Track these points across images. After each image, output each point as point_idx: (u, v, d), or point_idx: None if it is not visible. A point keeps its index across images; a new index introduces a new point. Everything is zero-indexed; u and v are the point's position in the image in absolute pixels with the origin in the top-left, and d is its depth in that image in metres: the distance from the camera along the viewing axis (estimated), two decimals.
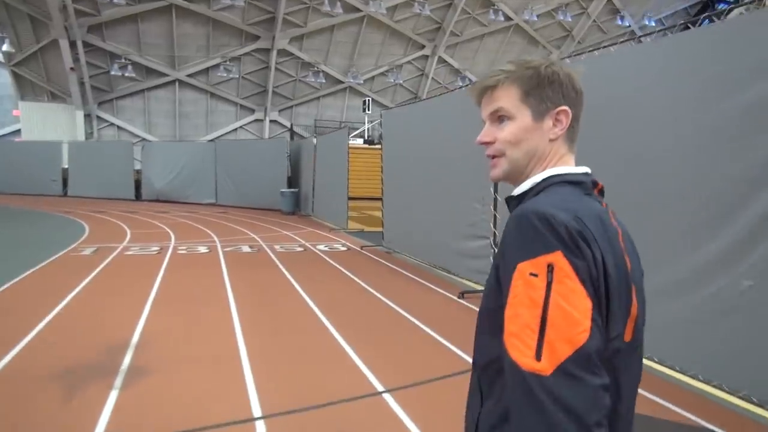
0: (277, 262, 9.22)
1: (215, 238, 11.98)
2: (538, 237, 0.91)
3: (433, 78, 34.99)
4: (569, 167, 1.09)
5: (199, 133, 31.35)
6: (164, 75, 29.83)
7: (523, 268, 0.91)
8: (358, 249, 10.82)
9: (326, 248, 10.84)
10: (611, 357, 0.94)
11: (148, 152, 23.77)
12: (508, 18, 33.41)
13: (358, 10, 30.09)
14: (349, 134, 15.18)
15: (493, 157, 1.13)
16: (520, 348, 0.89)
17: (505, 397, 0.94)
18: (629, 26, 36.81)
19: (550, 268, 0.89)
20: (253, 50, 30.28)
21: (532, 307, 0.89)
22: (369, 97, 34.29)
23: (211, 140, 25.24)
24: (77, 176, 25.12)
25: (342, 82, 33.57)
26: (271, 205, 19.21)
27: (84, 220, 14.95)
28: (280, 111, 33.51)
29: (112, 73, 27.96)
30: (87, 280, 7.49)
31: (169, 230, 13.32)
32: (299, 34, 30.40)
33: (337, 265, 8.98)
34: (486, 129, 1.13)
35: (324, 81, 32.65)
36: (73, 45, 26.34)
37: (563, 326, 0.87)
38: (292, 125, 32.82)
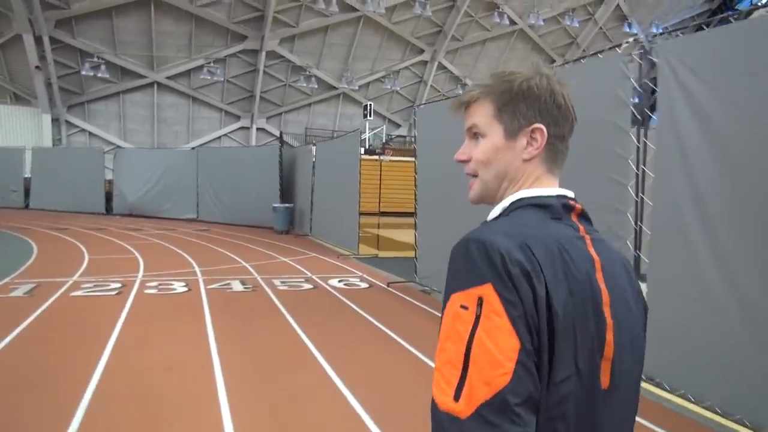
0: (282, 308, 6.74)
1: (196, 268, 9.45)
2: (472, 267, 0.85)
3: (432, 85, 32.85)
4: (541, 189, 0.99)
5: (180, 140, 28.71)
6: (141, 77, 27.20)
7: (456, 299, 0.85)
8: (383, 286, 8.37)
9: (342, 284, 8.37)
10: (560, 402, 0.84)
11: (121, 160, 21.13)
12: (512, 22, 31.41)
13: (355, 9, 27.84)
14: (360, 141, 12.80)
15: (471, 176, 1.04)
16: (441, 385, 0.82)
17: None
18: (636, 33, 35.14)
19: (480, 301, 0.82)
20: (240, 51, 27.80)
21: (457, 342, 0.82)
22: (363, 104, 32.10)
23: (193, 148, 22.69)
24: (41, 187, 22.41)
25: (335, 88, 31.23)
26: (261, 222, 16.68)
27: (36, 241, 12.31)
28: (268, 118, 31.03)
29: (83, 73, 25.27)
30: None
31: (138, 255, 10.75)
32: (290, 34, 28.03)
33: (368, 316, 6.51)
34: (463, 146, 1.04)
35: (316, 86, 30.25)
36: (38, 41, 23.64)
37: (484, 366, 0.79)
38: (281, 133, 30.25)
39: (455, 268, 0.88)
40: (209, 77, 27.35)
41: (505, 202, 0.99)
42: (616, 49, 4.43)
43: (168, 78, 27.67)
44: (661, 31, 35.36)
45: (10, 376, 4.27)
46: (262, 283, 8.21)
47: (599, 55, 4.70)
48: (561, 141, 1.00)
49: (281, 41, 28.10)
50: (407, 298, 7.59)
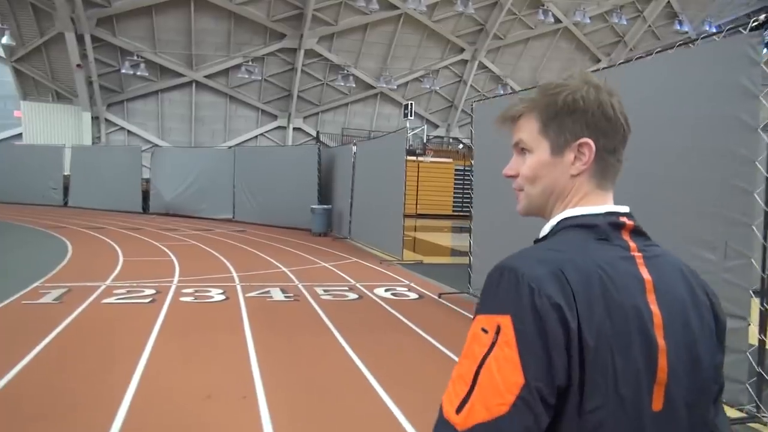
0: (327, 321, 6.15)
1: (233, 273, 8.95)
2: (500, 294, 0.86)
3: (472, 85, 32.00)
4: (588, 207, 0.96)
5: (217, 140, 28.54)
6: (180, 75, 27.10)
7: (480, 320, 0.86)
8: (434, 297, 7.71)
9: (389, 294, 7.74)
10: (594, 430, 0.83)
11: (158, 159, 20.99)
12: (557, 20, 30.35)
13: (395, 7, 27.21)
14: (416, 137, 12.17)
15: (518, 190, 1.03)
16: (450, 394, 0.85)
17: None
18: (687, 32, 33.66)
19: (498, 329, 0.83)
20: (278, 50, 27.47)
21: (471, 361, 0.84)
22: (402, 103, 31.49)
23: (230, 147, 22.40)
24: (79, 185, 22.46)
25: (373, 88, 30.66)
26: (298, 223, 16.20)
27: (72, 240, 12.03)
28: (305, 118, 30.65)
29: (123, 71, 25.25)
30: (13, 373, 4.45)
31: (173, 257, 10.32)
32: (329, 33, 27.57)
33: (422, 332, 5.86)
34: (511, 161, 1.03)
35: (354, 86, 29.73)
36: (80, 39, 23.70)
37: (487, 391, 0.81)
38: (318, 133, 29.92)
39: (487, 290, 0.88)
40: (247, 76, 27.08)
41: (553, 221, 0.98)
42: (740, 30, 3.67)
43: (206, 77, 27.51)
44: (714, 29, 33.88)
45: (30, 403, 3.76)
46: (304, 292, 7.64)
47: (716, 37, 3.93)
48: (612, 154, 0.97)
49: (320, 39, 27.67)
50: (463, 311, 6.91)
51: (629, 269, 0.90)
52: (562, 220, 0.96)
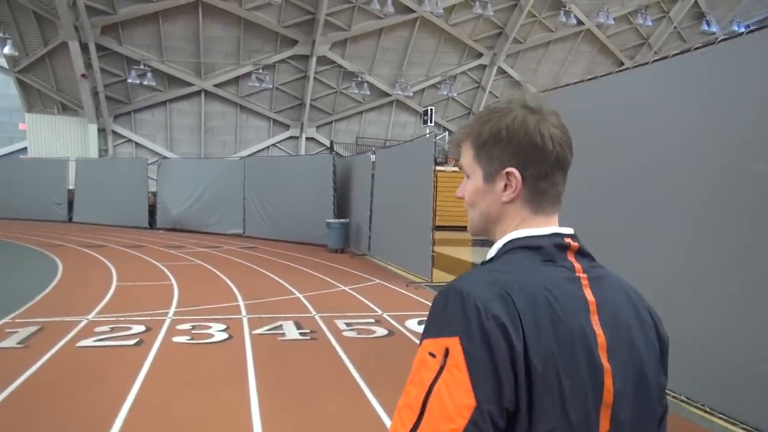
0: (353, 370, 4.89)
1: (239, 300, 7.73)
2: (447, 317, 0.84)
3: (490, 91, 30.74)
4: (532, 229, 0.96)
5: (227, 151, 27.49)
6: (189, 84, 26.10)
7: (427, 345, 0.85)
8: None
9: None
10: None
11: (165, 171, 19.91)
12: (579, 22, 29.07)
13: (411, 10, 26.08)
14: (435, 145, 10.97)
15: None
16: (397, 425, 0.83)
17: None
18: (714, 32, 32.25)
19: (446, 352, 0.81)
20: (290, 57, 26.40)
21: (419, 388, 0.82)
22: (418, 111, 30.34)
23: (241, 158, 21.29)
24: (84, 199, 21.47)
25: (388, 95, 29.48)
26: (313, 238, 15.00)
27: (64, 261, 10.91)
28: (317, 127, 29.53)
29: (129, 81, 24.26)
30: None
31: (174, 281, 9.14)
32: (342, 38, 26.47)
33: None
34: (462, 183, 1.05)
35: (368, 93, 28.57)
36: (85, 48, 22.79)
37: (437, 417, 0.79)
38: (332, 143, 28.77)
39: (433, 314, 0.87)
40: (257, 84, 26.02)
41: (498, 244, 0.97)
42: None
43: (215, 86, 26.49)
44: (743, 29, 32.50)
45: None
46: (323, 326, 6.39)
47: None
48: (544, 180, 0.96)
49: (332, 46, 26.59)
50: None
51: (574, 291, 0.90)
52: (507, 242, 0.95)
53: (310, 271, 10.74)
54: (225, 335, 5.88)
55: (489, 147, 0.96)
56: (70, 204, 21.96)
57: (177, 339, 5.68)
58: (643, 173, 4.51)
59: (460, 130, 1.03)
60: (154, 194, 20.37)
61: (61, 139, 25.27)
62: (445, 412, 0.78)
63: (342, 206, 15.16)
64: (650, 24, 30.28)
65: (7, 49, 22.17)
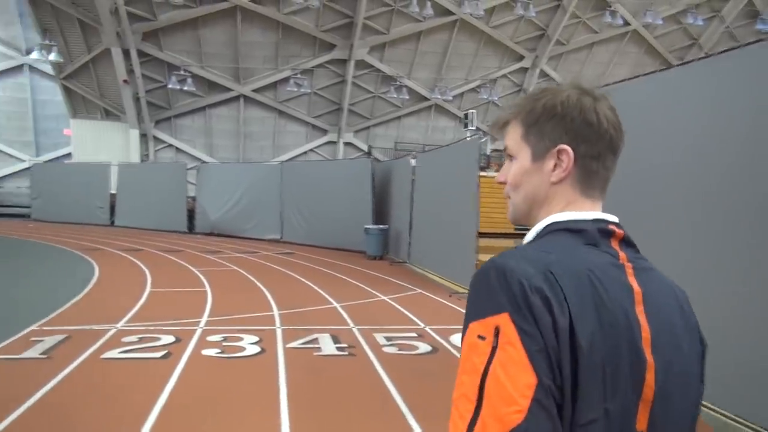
0: (395, 393, 4.44)
1: (274, 310, 7.38)
2: (491, 295, 0.80)
3: None
4: (575, 213, 0.92)
5: (265, 155, 27.43)
6: (228, 90, 26.19)
7: (474, 328, 0.80)
8: None
9: None
10: None
11: (204, 176, 19.92)
12: (625, 22, 28.06)
13: (451, 13, 25.58)
14: (480, 148, 10.48)
15: (507, 197, 1.01)
16: (455, 420, 0.78)
17: None
18: None
19: (497, 331, 0.77)
20: (327, 61, 26.21)
21: (473, 374, 0.77)
22: (458, 115, 29.78)
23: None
24: (125, 203, 21.72)
25: (427, 99, 29.02)
26: (350, 244, 14.64)
27: (101, 265, 10.80)
28: (355, 132, 29.27)
29: (170, 86, 24.45)
30: None
31: (208, 288, 8.87)
32: (381, 42, 26.15)
33: None
34: (503, 168, 1.01)
35: (407, 97, 28.14)
36: (126, 54, 23.07)
37: (497, 401, 0.74)
38: (369, 148, 28.43)
39: (474, 295, 0.83)
40: (296, 89, 25.89)
41: (539, 226, 0.94)
42: None
43: (254, 91, 26.52)
44: None
45: None
46: (361, 340, 5.96)
47: None
48: (595, 161, 0.92)
49: (371, 50, 26.31)
50: None
51: (619, 277, 0.86)
52: (548, 224, 0.92)
53: (347, 279, 10.35)
54: (257, 348, 5.51)
55: (541, 123, 0.92)
56: (112, 208, 22.23)
57: (206, 352, 5.33)
58: (647, 174, 4.50)
59: (507, 109, 0.99)
60: (194, 199, 20.41)
61: (104, 145, 25.64)
62: (505, 394, 0.73)
63: (381, 212, 14.76)
64: (701, 24, 29.04)
65: (52, 56, 22.61)
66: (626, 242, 0.92)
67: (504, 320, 0.76)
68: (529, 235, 0.94)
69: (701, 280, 3.79)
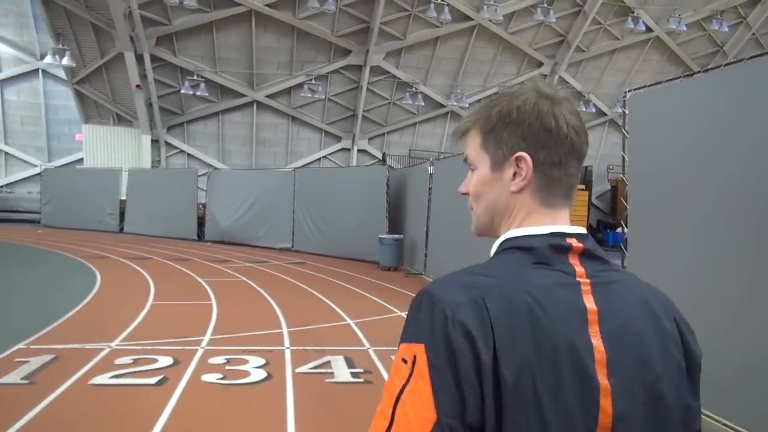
0: None
1: (283, 327, 6.82)
2: (417, 321, 0.80)
3: None
4: (530, 228, 0.88)
5: (278, 162, 27.01)
6: (241, 95, 25.83)
7: (401, 349, 0.80)
8: None
9: None
10: None
11: (215, 182, 19.52)
12: (648, 29, 27.36)
13: (469, 18, 25.05)
14: None
15: (470, 209, 0.99)
16: (373, 430, 0.77)
17: None
18: None
19: (414, 359, 0.76)
20: (342, 67, 25.77)
21: (390, 394, 0.77)
22: None
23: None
24: (135, 210, 21.36)
25: (443, 106, 28.46)
26: (364, 254, 14.09)
27: (104, 275, 10.33)
28: (370, 139, 28.79)
29: (183, 91, 24.14)
30: None
31: (213, 301, 8.34)
32: (397, 48, 25.67)
33: None
34: (465, 179, 0.98)
35: (422, 104, 27.59)
36: (140, 59, 22.78)
37: (402, 428, 0.74)
38: (384, 155, 27.89)
39: (408, 317, 0.83)
40: (310, 95, 25.47)
41: (496, 243, 0.92)
42: None
43: (268, 97, 26.14)
44: None
45: None
46: (378, 364, 5.38)
47: None
48: (557, 168, 0.89)
49: (387, 55, 25.83)
50: None
51: (569, 297, 0.82)
52: (503, 241, 0.90)
53: (361, 292, 9.79)
54: (263, 373, 4.94)
55: (497, 131, 0.89)
56: (122, 214, 21.89)
57: (206, 377, 4.77)
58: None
59: (465, 118, 0.97)
60: (204, 206, 20.01)
61: (116, 150, 25.39)
62: (408, 424, 0.73)
63: (395, 221, 14.20)
64: (726, 30, 28.26)
65: (65, 60, 22.38)
66: (587, 255, 0.86)
67: (420, 351, 0.75)
68: (491, 252, 0.91)
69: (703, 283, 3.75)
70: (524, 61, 28.18)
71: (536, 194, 0.88)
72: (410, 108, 28.09)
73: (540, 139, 0.87)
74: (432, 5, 23.31)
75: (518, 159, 0.87)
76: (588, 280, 0.83)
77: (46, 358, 5.12)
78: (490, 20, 24.83)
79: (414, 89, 27.05)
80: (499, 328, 0.75)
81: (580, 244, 0.86)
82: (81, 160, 25.85)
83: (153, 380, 4.66)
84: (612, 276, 0.86)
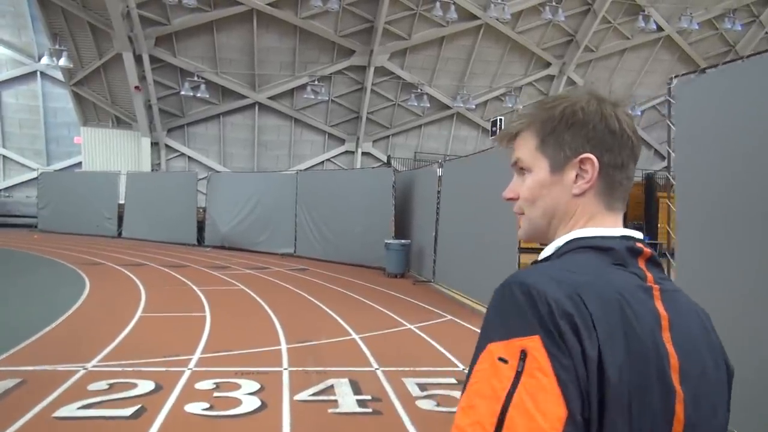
0: None
1: (282, 343, 6.18)
2: (517, 315, 0.73)
3: None
4: (601, 229, 0.85)
5: (281, 165, 26.41)
6: (242, 97, 25.25)
7: (493, 349, 0.73)
8: None
9: None
10: None
11: (215, 185, 18.92)
12: (659, 28, 26.69)
13: (475, 17, 24.45)
14: None
15: (519, 214, 0.94)
16: None
17: None
18: None
19: (523, 355, 0.70)
20: (346, 68, 25.18)
21: (491, 401, 0.69)
22: (480, 125, 28.64)
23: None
24: (133, 214, 20.76)
25: (449, 108, 27.84)
26: (369, 260, 13.44)
27: (94, 283, 9.72)
28: (374, 141, 28.17)
29: (183, 93, 23.56)
30: None
31: (207, 313, 7.71)
32: (402, 48, 25.08)
33: None
34: (511, 182, 0.94)
35: (428, 106, 26.96)
36: (138, 60, 22.23)
37: None
38: (389, 157, 27.25)
39: (495, 313, 0.77)
40: (313, 97, 24.86)
41: (559, 242, 0.86)
42: None
43: (270, 98, 25.56)
44: None
45: None
46: (388, 390, 4.73)
47: None
48: (619, 170, 0.86)
49: (391, 56, 25.24)
50: None
51: (647, 301, 0.79)
52: (570, 240, 0.85)
53: (367, 302, 9.14)
54: (257, 402, 4.29)
55: (559, 132, 0.86)
56: (120, 219, 21.30)
57: (190, 408, 4.13)
58: None
59: (516, 119, 0.92)
60: (204, 210, 19.41)
61: (115, 153, 24.86)
62: (533, 425, 0.66)
63: (402, 225, 13.56)
64: (738, 29, 27.60)
65: (62, 61, 21.83)
66: (653, 262, 0.85)
67: (534, 343, 0.70)
68: (547, 250, 0.87)
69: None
70: (532, 61, 27.56)
71: (599, 197, 0.85)
72: (415, 109, 27.49)
73: (605, 141, 0.84)
74: (438, 4, 22.74)
75: (583, 161, 0.84)
76: (657, 286, 0.81)
77: (10, 383, 4.48)
78: (497, 19, 24.23)
79: (419, 90, 26.46)
80: (600, 324, 0.71)
81: (648, 250, 0.84)
82: (80, 164, 25.32)
83: (128, 411, 4.01)
84: (670, 285, 0.84)
